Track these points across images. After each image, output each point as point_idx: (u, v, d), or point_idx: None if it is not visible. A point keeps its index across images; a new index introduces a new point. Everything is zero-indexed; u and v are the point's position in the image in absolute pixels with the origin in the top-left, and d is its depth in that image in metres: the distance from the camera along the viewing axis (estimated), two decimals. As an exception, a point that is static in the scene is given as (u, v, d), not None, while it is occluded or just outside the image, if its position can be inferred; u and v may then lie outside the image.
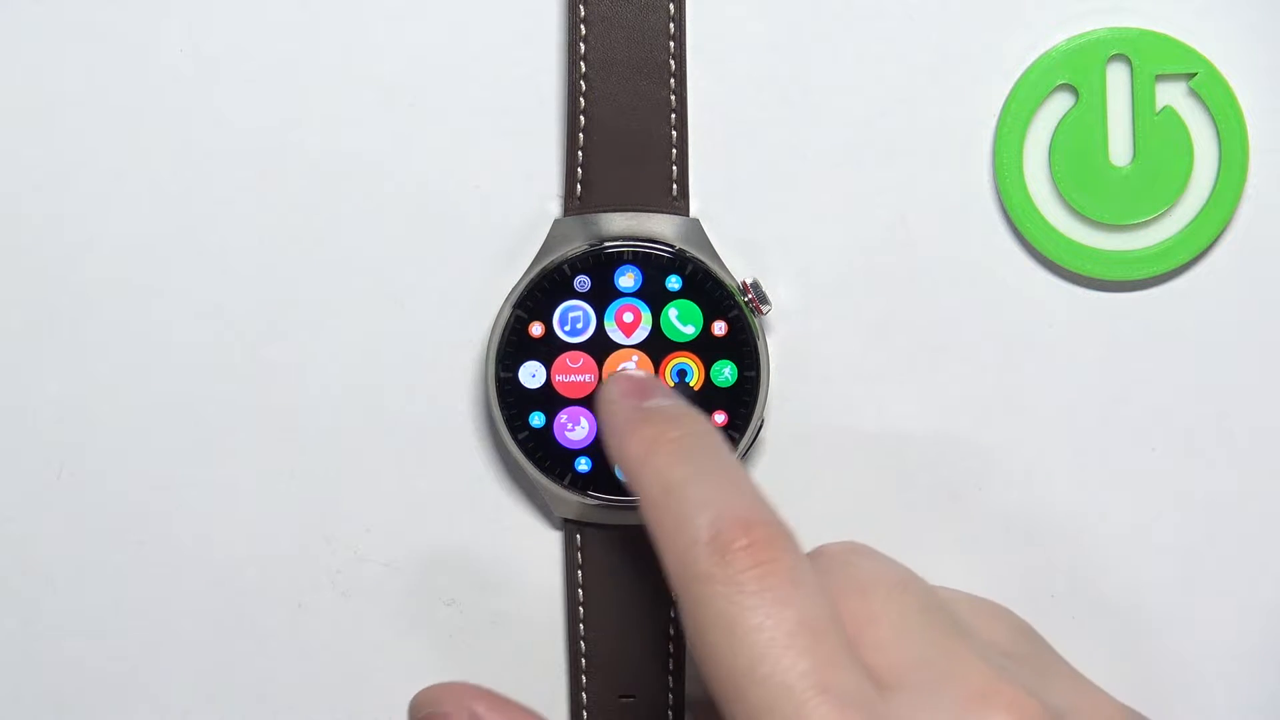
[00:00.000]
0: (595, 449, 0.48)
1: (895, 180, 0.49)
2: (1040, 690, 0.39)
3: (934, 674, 0.38)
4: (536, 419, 0.48)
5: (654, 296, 0.48)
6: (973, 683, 0.38)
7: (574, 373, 0.48)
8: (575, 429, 0.48)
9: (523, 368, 0.48)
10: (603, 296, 0.48)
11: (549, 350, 0.48)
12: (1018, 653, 0.42)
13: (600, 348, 0.48)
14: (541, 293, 0.48)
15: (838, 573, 0.39)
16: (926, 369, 0.50)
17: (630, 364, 0.48)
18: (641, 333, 0.48)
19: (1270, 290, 0.50)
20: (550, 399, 0.48)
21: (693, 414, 0.41)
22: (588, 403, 0.48)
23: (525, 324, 0.48)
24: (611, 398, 0.42)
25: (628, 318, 0.48)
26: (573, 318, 0.48)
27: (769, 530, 0.37)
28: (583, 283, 0.48)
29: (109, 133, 0.49)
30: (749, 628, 0.36)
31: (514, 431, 0.48)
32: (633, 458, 0.40)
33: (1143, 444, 0.50)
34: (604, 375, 0.48)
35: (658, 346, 0.48)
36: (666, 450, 0.39)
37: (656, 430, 0.40)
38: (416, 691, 0.43)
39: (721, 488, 0.38)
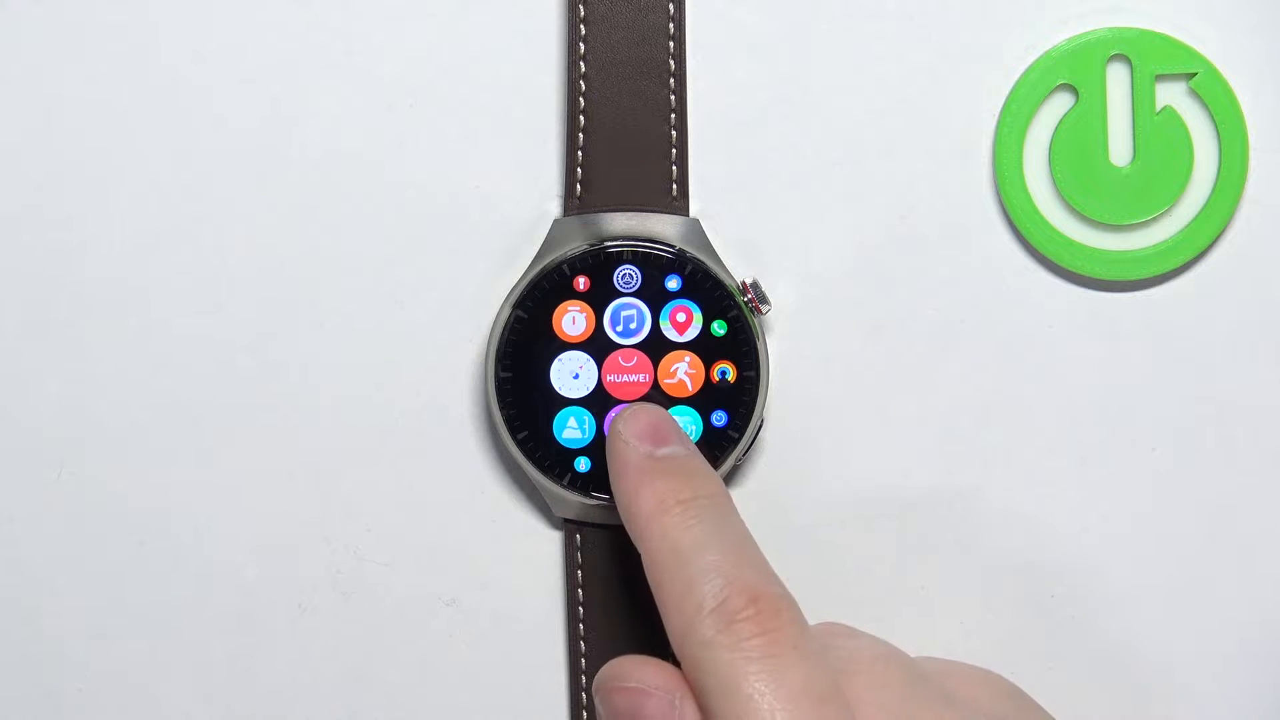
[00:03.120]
0: (597, 448, 0.48)
1: (895, 180, 0.49)
2: None
3: None
4: (584, 419, 0.48)
5: (654, 296, 0.48)
6: None
7: (627, 372, 0.48)
8: None
9: (557, 367, 0.48)
10: (654, 297, 0.48)
11: (600, 349, 0.48)
12: (1004, 716, 0.42)
13: (656, 347, 0.48)
14: (541, 292, 0.48)
15: None
16: (926, 369, 0.50)
17: (682, 364, 0.48)
18: (693, 332, 0.48)
19: (1270, 290, 0.50)
20: (602, 399, 0.48)
21: (705, 472, 0.41)
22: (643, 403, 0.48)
23: (534, 323, 0.48)
24: (625, 438, 0.42)
25: (681, 317, 0.48)
26: (625, 317, 0.48)
27: (774, 601, 0.38)
28: (629, 281, 0.48)
29: (109, 133, 0.49)
30: (751, 692, 0.36)
31: (514, 431, 0.48)
32: (642, 514, 0.40)
33: (1143, 444, 0.50)
34: (659, 376, 0.48)
35: (707, 346, 0.48)
36: (676, 512, 0.39)
37: (668, 487, 0.40)
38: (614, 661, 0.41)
39: (729, 556, 0.38)
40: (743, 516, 0.49)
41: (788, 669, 0.37)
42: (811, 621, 0.40)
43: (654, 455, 0.41)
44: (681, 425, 0.48)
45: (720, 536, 0.39)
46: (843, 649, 0.41)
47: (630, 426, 0.42)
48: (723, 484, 0.41)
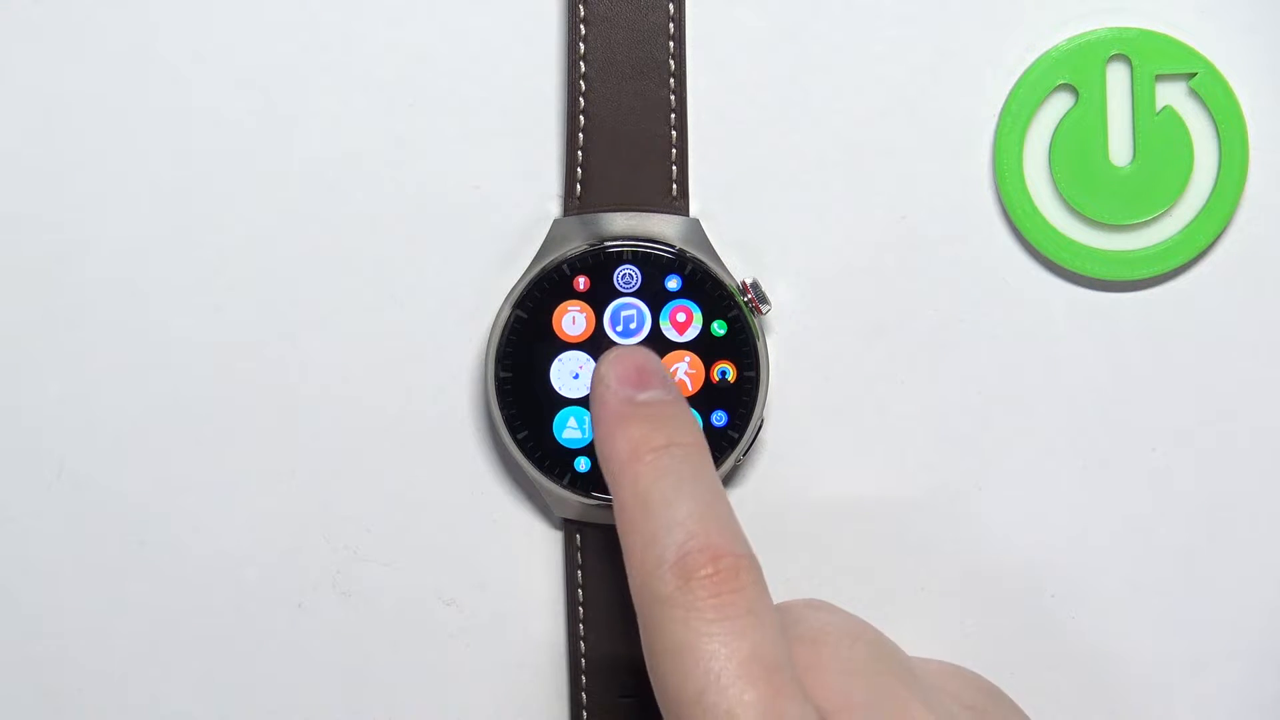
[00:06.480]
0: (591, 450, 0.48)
1: (895, 180, 0.49)
2: None
3: (879, 714, 0.37)
4: (584, 419, 0.48)
5: (654, 296, 0.48)
6: None
7: None
8: None
9: (557, 367, 0.48)
10: (655, 297, 0.48)
11: (600, 349, 0.48)
12: (977, 705, 0.42)
13: (656, 347, 0.48)
14: (541, 292, 0.48)
15: (790, 626, 0.39)
16: (926, 369, 0.50)
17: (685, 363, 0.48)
18: (693, 332, 0.48)
19: (1270, 290, 0.50)
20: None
21: (683, 419, 0.40)
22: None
23: (534, 323, 0.48)
24: (607, 382, 0.41)
25: (681, 317, 0.48)
26: (625, 317, 0.48)
27: (736, 561, 0.37)
28: (629, 281, 0.48)
29: (108, 133, 0.49)
30: (702, 654, 0.36)
31: (513, 431, 0.48)
32: (615, 458, 0.39)
33: (1143, 444, 0.50)
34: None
35: (707, 346, 0.48)
36: (649, 460, 0.38)
37: (644, 433, 0.39)
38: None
39: (696, 511, 0.38)
40: (743, 517, 0.49)
41: (739, 635, 0.36)
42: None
43: (634, 400, 0.40)
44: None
45: (690, 490, 0.38)
46: (814, 620, 0.40)
47: (614, 369, 0.41)
48: (701, 434, 0.40)
